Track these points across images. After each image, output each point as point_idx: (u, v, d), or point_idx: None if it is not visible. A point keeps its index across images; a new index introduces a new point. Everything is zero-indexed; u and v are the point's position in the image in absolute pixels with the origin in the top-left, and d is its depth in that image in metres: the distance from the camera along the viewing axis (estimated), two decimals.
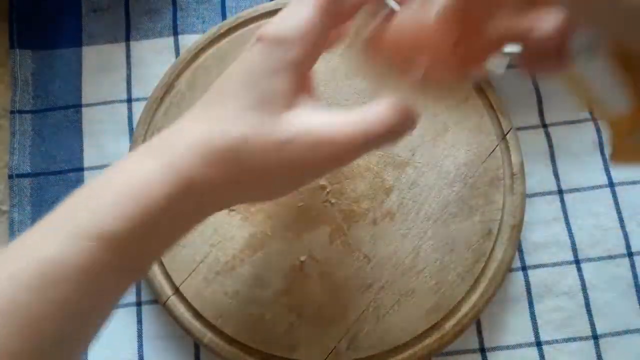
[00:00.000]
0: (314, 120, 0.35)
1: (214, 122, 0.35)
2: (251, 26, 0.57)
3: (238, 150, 0.35)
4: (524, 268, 0.53)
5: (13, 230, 0.54)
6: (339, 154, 0.35)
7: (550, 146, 0.57)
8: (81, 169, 0.56)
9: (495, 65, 0.45)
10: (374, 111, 0.36)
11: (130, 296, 0.53)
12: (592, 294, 0.53)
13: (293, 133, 0.35)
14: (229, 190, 0.36)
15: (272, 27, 0.36)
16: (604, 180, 0.56)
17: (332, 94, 0.55)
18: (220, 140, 0.35)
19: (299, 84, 0.36)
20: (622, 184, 0.56)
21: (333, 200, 0.52)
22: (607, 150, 0.57)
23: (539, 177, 0.56)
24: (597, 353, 0.51)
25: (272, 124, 0.35)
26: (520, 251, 0.54)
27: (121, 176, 0.35)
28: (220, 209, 0.39)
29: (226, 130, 0.35)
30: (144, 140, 0.54)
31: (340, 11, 0.38)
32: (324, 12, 0.36)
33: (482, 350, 0.51)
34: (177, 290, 0.50)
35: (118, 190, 0.34)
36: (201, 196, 0.35)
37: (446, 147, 0.54)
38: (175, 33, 0.60)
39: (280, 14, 0.37)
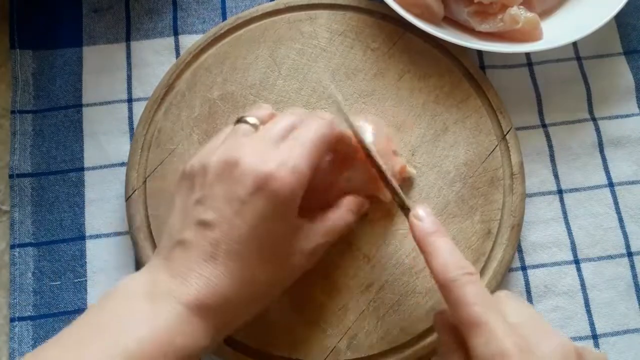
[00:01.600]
0: (307, 243, 0.44)
1: (232, 280, 0.40)
2: (251, 27, 0.57)
3: (254, 299, 0.43)
4: (523, 268, 0.53)
5: (14, 230, 0.54)
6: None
7: (550, 146, 0.57)
8: (82, 169, 0.56)
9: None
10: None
11: None
12: (592, 293, 0.53)
13: (302, 261, 0.44)
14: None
15: (281, 183, 0.40)
16: (603, 180, 0.56)
17: (332, 93, 0.55)
18: (235, 297, 0.40)
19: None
20: (621, 184, 0.56)
21: None
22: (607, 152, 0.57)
23: (538, 177, 0.56)
24: None
25: (288, 265, 0.43)
26: (520, 251, 0.54)
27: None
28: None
29: (243, 287, 0.40)
30: (144, 141, 0.54)
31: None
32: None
33: None
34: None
35: None
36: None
37: (446, 147, 0.54)
38: (176, 33, 0.60)
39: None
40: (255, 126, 0.45)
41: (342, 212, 0.47)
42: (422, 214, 0.43)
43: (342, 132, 0.46)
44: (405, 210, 0.45)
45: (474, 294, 0.38)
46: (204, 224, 0.40)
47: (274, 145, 0.42)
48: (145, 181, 0.53)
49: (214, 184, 0.41)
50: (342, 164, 0.48)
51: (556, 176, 0.56)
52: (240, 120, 0.45)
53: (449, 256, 0.40)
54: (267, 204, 0.40)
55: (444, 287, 0.39)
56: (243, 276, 0.40)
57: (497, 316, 0.37)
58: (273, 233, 0.41)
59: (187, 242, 0.40)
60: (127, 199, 0.52)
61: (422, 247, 0.42)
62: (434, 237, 0.41)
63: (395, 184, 0.46)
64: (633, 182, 0.56)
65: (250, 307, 0.42)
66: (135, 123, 0.56)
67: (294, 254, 0.43)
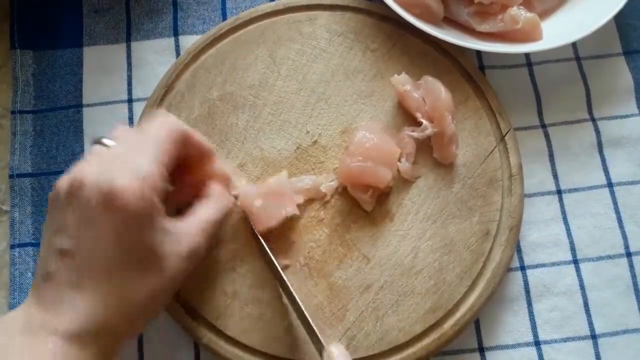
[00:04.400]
0: (179, 240, 0.42)
1: (103, 303, 0.38)
2: (250, 27, 0.57)
3: (135, 313, 0.40)
4: (522, 268, 0.54)
5: (14, 230, 0.54)
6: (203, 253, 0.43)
7: (549, 146, 0.57)
8: None
9: None
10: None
11: None
12: (591, 293, 0.53)
13: (175, 264, 0.41)
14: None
15: (128, 193, 0.38)
16: (602, 180, 0.56)
17: (331, 94, 0.55)
18: (111, 318, 0.39)
19: (161, 216, 0.41)
20: (620, 184, 0.56)
21: (332, 201, 0.52)
22: (606, 152, 0.57)
23: (538, 177, 0.56)
24: (595, 352, 0.52)
25: (160, 271, 0.40)
26: (519, 251, 0.54)
27: None
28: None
29: (120, 306, 0.39)
30: None
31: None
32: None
33: (481, 349, 0.51)
34: (177, 291, 0.50)
35: None
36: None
37: None
38: (176, 34, 0.60)
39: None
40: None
41: (215, 202, 0.45)
42: (336, 353, 0.44)
43: (187, 130, 0.45)
44: (318, 345, 0.46)
45: None
46: (63, 253, 0.38)
47: (120, 157, 0.41)
48: None
49: (66, 208, 0.39)
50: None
51: (555, 176, 0.56)
52: (96, 142, 0.44)
53: None
54: (119, 218, 0.38)
55: None
56: (116, 296, 0.38)
57: None
58: (137, 245, 0.39)
59: (51, 274, 0.38)
60: None
61: None
62: None
63: (282, 275, 0.48)
64: (632, 182, 0.56)
65: (134, 324, 0.41)
66: (136, 123, 0.56)
67: (168, 259, 0.41)
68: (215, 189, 0.46)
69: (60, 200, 0.40)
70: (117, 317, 0.39)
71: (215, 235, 0.45)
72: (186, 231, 0.42)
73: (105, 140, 0.43)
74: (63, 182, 0.40)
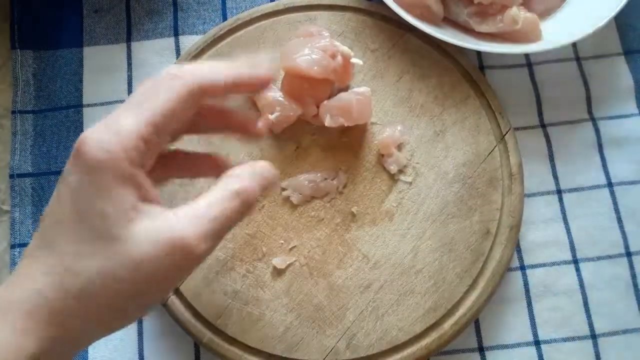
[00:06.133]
0: (159, 226, 0.33)
1: (49, 275, 0.32)
2: (250, 27, 0.57)
3: (87, 296, 0.32)
4: (522, 267, 0.54)
5: (14, 230, 0.54)
6: (193, 250, 0.33)
7: (549, 146, 0.57)
8: None
9: None
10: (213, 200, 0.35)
11: None
12: (591, 293, 0.53)
13: (144, 248, 0.32)
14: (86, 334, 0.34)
15: (93, 142, 0.33)
16: (602, 180, 0.56)
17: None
18: (57, 295, 0.32)
19: (137, 190, 0.33)
20: (620, 183, 0.56)
21: (332, 201, 0.52)
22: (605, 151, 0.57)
23: (537, 177, 0.56)
24: (595, 352, 0.52)
25: (118, 250, 0.32)
26: (519, 251, 0.54)
27: None
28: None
29: (64, 281, 0.32)
30: None
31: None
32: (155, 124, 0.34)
33: (481, 349, 0.51)
34: (176, 290, 0.50)
35: None
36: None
37: (445, 147, 0.54)
38: (176, 34, 0.60)
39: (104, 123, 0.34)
40: None
41: (220, 199, 0.35)
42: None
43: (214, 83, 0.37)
44: None
45: None
46: (41, 218, 0.34)
47: (115, 112, 0.35)
48: None
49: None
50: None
51: (555, 176, 0.56)
52: None
53: None
54: (78, 171, 0.32)
55: None
56: (61, 266, 0.32)
57: None
58: (90, 206, 0.32)
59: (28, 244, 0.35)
60: None
61: None
62: None
63: None
64: (632, 182, 0.56)
65: (89, 316, 0.33)
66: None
67: (133, 242, 0.32)
68: (237, 169, 0.37)
69: None
70: (63, 295, 0.32)
71: (225, 233, 0.35)
72: (170, 223, 0.33)
73: None
74: None
